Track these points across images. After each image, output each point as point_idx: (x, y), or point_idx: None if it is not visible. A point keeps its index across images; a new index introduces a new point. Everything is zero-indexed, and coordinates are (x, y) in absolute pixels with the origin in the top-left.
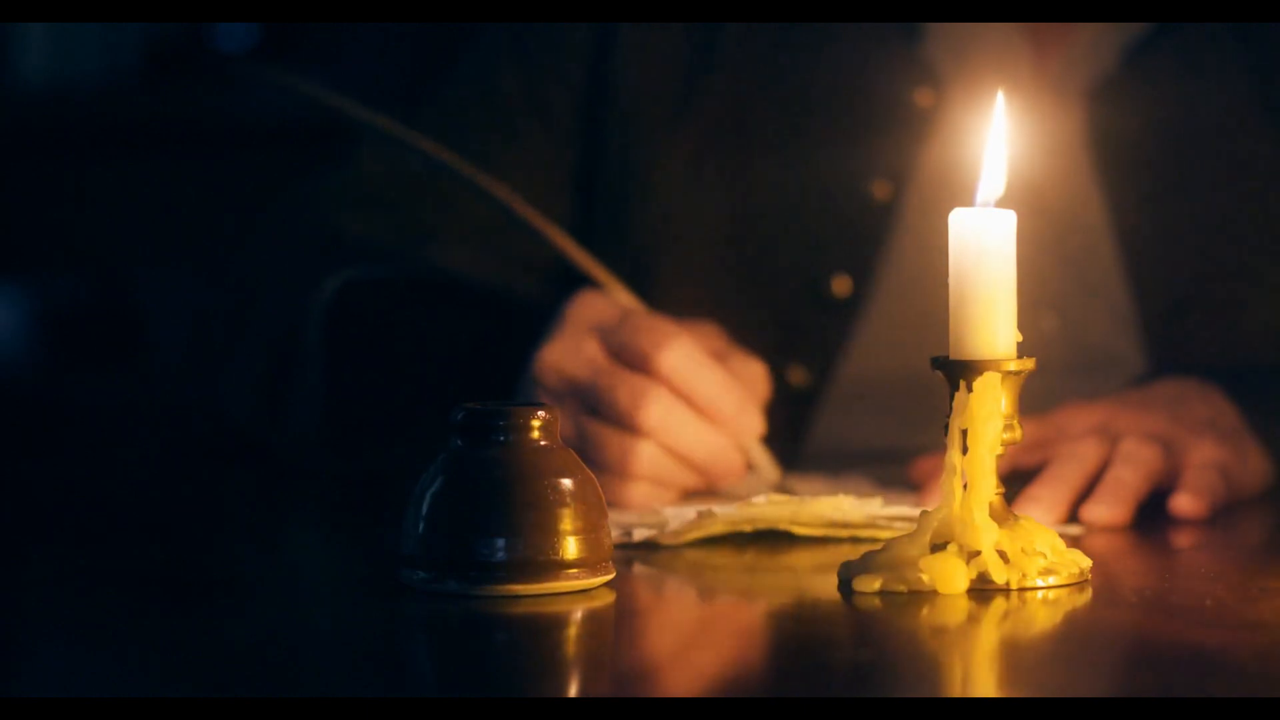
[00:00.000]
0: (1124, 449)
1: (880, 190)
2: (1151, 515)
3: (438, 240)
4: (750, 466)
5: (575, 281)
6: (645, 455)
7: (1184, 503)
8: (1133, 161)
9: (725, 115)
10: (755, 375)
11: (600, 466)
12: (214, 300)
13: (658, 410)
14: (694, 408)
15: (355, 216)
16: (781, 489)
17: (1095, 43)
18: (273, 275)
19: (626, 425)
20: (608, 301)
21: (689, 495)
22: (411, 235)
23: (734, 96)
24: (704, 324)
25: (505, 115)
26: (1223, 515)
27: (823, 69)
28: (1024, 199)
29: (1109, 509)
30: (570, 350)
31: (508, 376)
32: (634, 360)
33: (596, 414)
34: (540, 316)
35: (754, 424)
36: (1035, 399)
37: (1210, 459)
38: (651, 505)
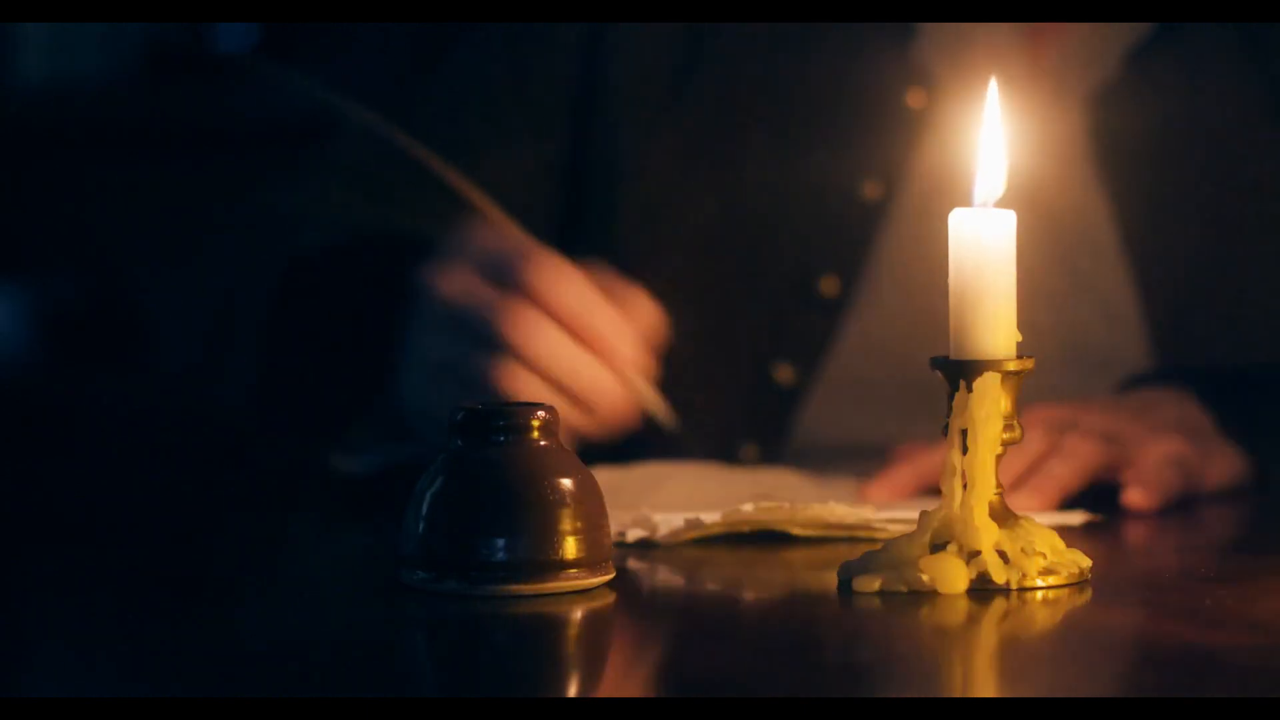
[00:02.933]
0: (1063, 443)
1: (870, 190)
2: (1151, 516)
3: (403, 207)
4: (643, 410)
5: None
6: (518, 376)
7: (1134, 496)
8: (1135, 162)
9: (715, 112)
10: (645, 310)
11: (473, 387)
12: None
13: (526, 329)
14: (568, 331)
15: (326, 191)
16: (670, 429)
17: (1093, 42)
18: (242, 254)
19: (497, 345)
20: (492, 230)
21: (584, 442)
22: (374, 202)
23: (724, 94)
24: (596, 263)
25: (495, 106)
26: (1223, 516)
27: (814, 68)
28: (1021, 199)
29: (1029, 497)
30: (446, 274)
31: (398, 302)
32: (506, 280)
33: (467, 334)
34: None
35: (634, 353)
36: (1033, 399)
37: (1164, 454)
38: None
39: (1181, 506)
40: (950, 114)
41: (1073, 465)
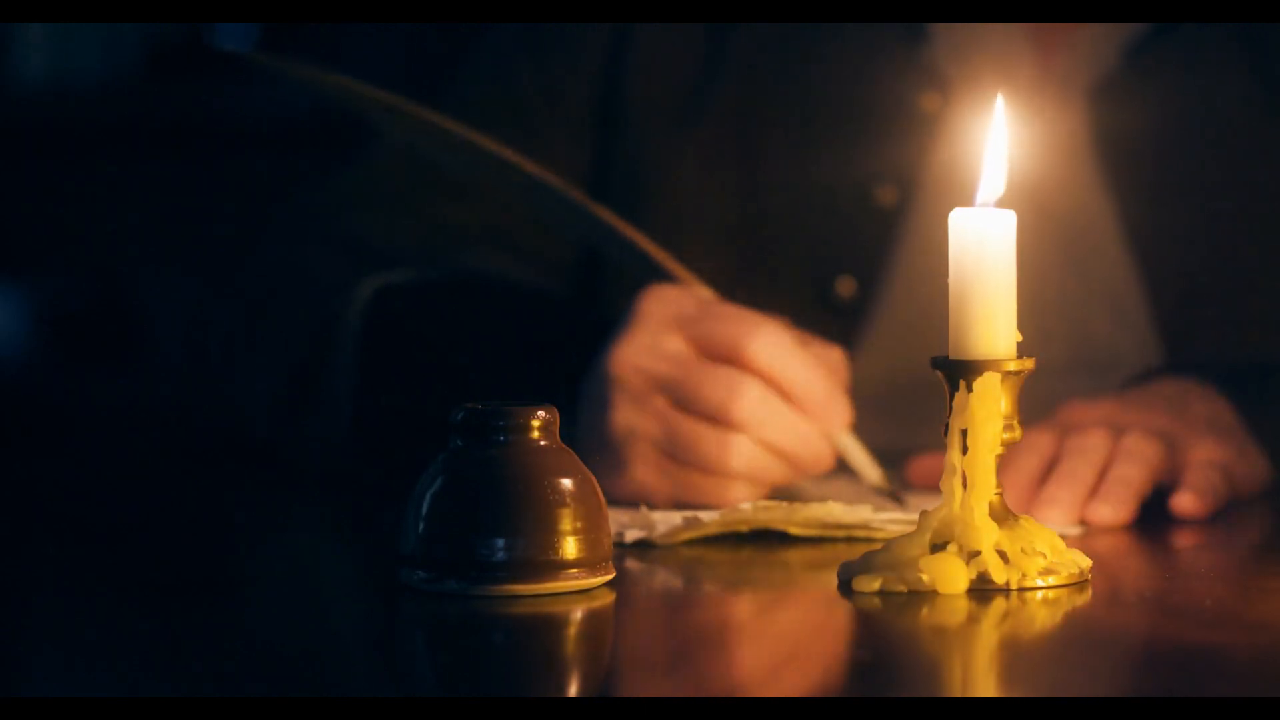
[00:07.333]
0: (1127, 445)
1: (886, 194)
2: (1151, 515)
3: (461, 240)
4: (841, 460)
5: (594, 277)
6: (743, 450)
7: (1186, 502)
8: (1139, 159)
9: (733, 119)
10: (836, 362)
11: (694, 464)
12: (221, 306)
13: (751, 402)
14: (785, 397)
15: (374, 219)
16: (890, 493)
17: (1098, 42)
18: (291, 281)
19: (721, 419)
20: (682, 294)
21: (773, 492)
22: (434, 236)
23: (742, 101)
24: (773, 318)
25: (523, 112)
26: (1222, 515)
27: (829, 73)
28: (1027, 199)
29: (1113, 509)
30: (650, 345)
31: (570, 377)
32: (722, 352)
33: (685, 410)
34: (598, 316)
35: (842, 411)
36: (1038, 399)
37: (1212, 458)
38: (649, 503)
39: (1220, 512)
40: (964, 117)
41: (1144, 469)
